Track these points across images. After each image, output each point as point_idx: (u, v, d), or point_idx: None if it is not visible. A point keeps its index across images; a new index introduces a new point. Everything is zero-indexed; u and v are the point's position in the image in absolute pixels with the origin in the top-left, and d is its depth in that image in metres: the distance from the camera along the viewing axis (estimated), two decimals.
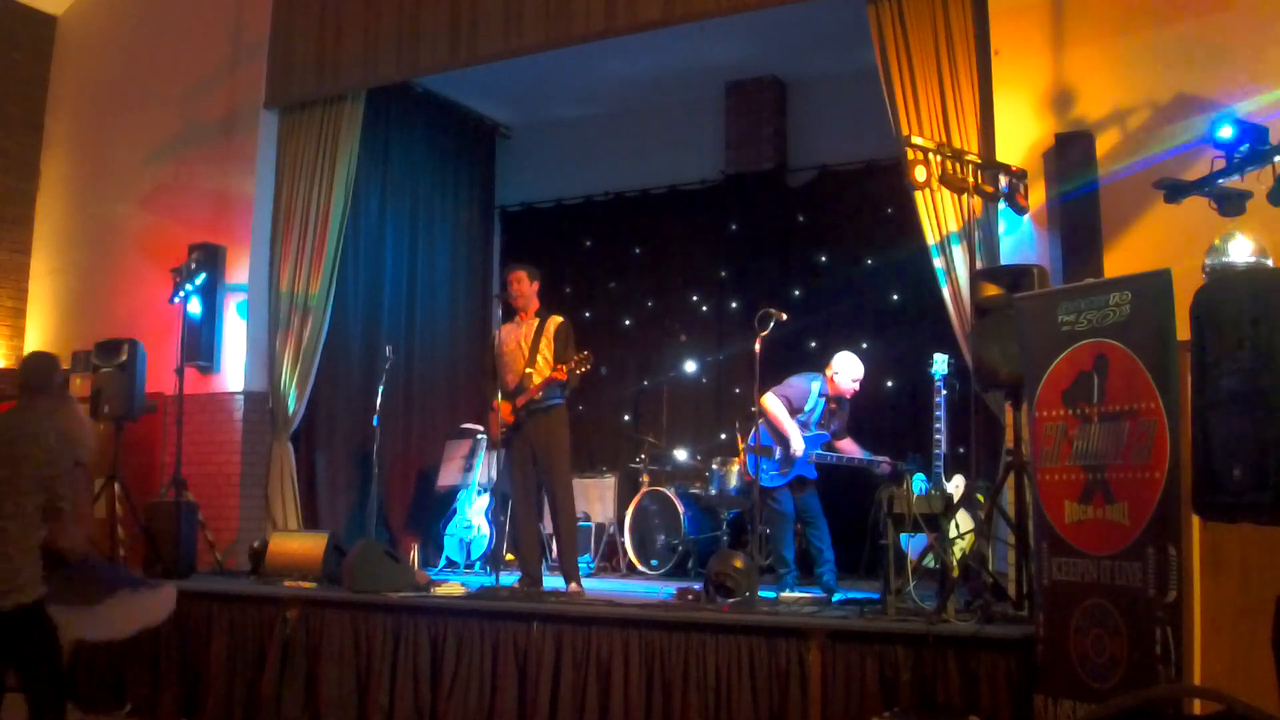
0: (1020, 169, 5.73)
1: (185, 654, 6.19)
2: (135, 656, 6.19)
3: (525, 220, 10.40)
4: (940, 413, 5.91)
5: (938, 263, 6.03)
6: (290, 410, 7.87)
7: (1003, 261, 5.79)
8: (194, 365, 7.79)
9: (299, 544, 6.80)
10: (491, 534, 8.32)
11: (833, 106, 8.98)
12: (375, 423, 7.18)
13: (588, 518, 8.55)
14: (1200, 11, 5.51)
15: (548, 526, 7.33)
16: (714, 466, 7.88)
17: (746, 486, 7.10)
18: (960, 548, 5.42)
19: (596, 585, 7.06)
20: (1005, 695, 4.37)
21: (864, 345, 7.96)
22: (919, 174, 5.31)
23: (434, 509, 8.95)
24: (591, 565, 8.32)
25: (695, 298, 9.55)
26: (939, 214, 6.01)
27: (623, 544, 8.25)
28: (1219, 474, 3.49)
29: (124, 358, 7.37)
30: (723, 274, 9.41)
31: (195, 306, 7.79)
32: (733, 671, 4.88)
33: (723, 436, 8.93)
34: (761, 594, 5.68)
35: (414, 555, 8.49)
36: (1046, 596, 4.17)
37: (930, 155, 5.34)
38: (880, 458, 6.61)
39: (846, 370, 6.61)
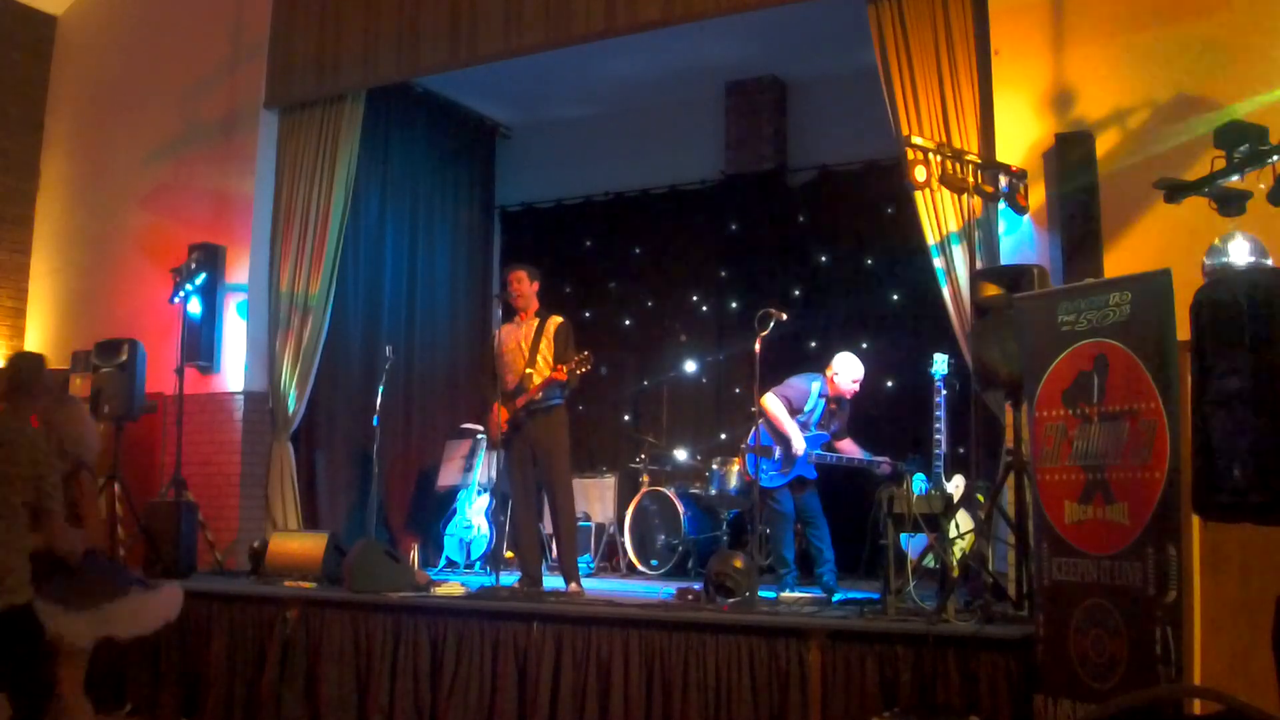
0: (1020, 169, 5.73)
1: (185, 654, 6.18)
2: (135, 656, 6.18)
3: (525, 220, 10.40)
4: (940, 413, 5.91)
5: (938, 263, 6.03)
6: (290, 410, 7.87)
7: (1003, 261, 5.79)
8: (194, 365, 7.79)
9: (299, 544, 6.80)
10: (491, 534, 8.33)
11: (833, 106, 8.98)
12: (375, 423, 7.18)
13: (588, 518, 8.55)
14: (1200, 11, 5.51)
15: (548, 526, 7.33)
16: (714, 466, 7.88)
17: (746, 486, 7.10)
18: (960, 548, 5.42)
19: (596, 585, 7.06)
20: (1005, 695, 4.36)
21: (864, 345, 7.96)
22: (919, 174, 5.31)
23: (434, 509, 8.95)
24: (591, 565, 8.32)
25: (695, 298, 9.55)
26: (939, 214, 6.01)
27: (623, 544, 8.25)
28: (1219, 474, 3.49)
29: (124, 358, 7.37)
30: (723, 274, 9.41)
31: (195, 306, 7.80)
32: (733, 671, 4.88)
33: (723, 436, 8.94)
34: (761, 594, 5.68)
35: (414, 555, 8.49)
36: (1046, 596, 4.17)
37: (930, 155, 5.34)
38: (880, 458, 6.61)
39: (846, 371, 6.60)
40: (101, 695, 6.27)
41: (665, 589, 6.44)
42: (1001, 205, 5.74)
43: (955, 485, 6.11)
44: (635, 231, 9.83)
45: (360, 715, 5.69)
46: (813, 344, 8.46)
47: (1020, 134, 5.88)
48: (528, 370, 6.45)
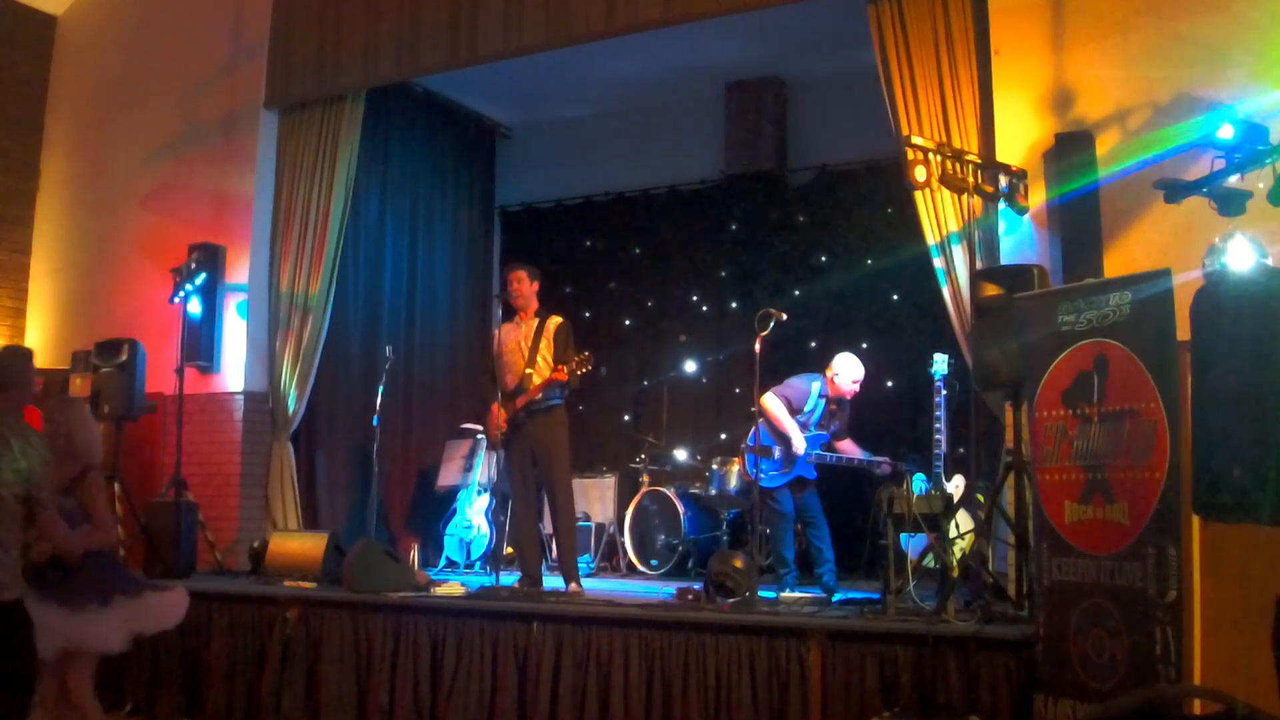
0: (1020, 169, 5.73)
1: (185, 654, 6.18)
2: (135, 656, 6.18)
3: (525, 220, 10.40)
4: (940, 413, 5.90)
5: (938, 263, 6.03)
6: (290, 410, 7.87)
7: (1003, 261, 5.79)
8: (194, 365, 7.79)
9: (299, 544, 6.80)
10: (491, 534, 8.32)
11: (833, 106, 8.98)
12: (375, 423, 7.18)
13: (588, 518, 8.55)
14: (1200, 11, 5.51)
15: (548, 527, 7.33)
16: (714, 466, 7.88)
17: (746, 486, 7.10)
18: (960, 548, 5.42)
19: (596, 585, 7.06)
20: (1005, 695, 4.37)
21: (864, 345, 7.95)
22: (919, 174, 5.31)
23: (434, 509, 8.94)
24: (591, 565, 8.32)
25: (695, 298, 9.55)
26: (939, 214, 6.01)
27: (623, 544, 8.25)
28: (1219, 474, 3.50)
29: (124, 358, 7.37)
30: (723, 274, 9.41)
31: (195, 306, 7.79)
32: (733, 671, 4.88)
33: (723, 436, 8.94)
34: (761, 594, 5.68)
35: (414, 555, 8.49)
36: (1046, 596, 4.17)
37: (930, 155, 5.34)
38: (880, 458, 6.61)
39: (847, 371, 6.60)
40: (101, 695, 6.26)
41: (665, 589, 6.44)
42: (1001, 205, 5.74)
43: (955, 485, 6.10)
44: (635, 231, 9.83)
45: (360, 715, 5.69)
46: (813, 344, 8.45)
47: (1020, 134, 5.88)
48: (527, 370, 6.45)
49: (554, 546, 7.22)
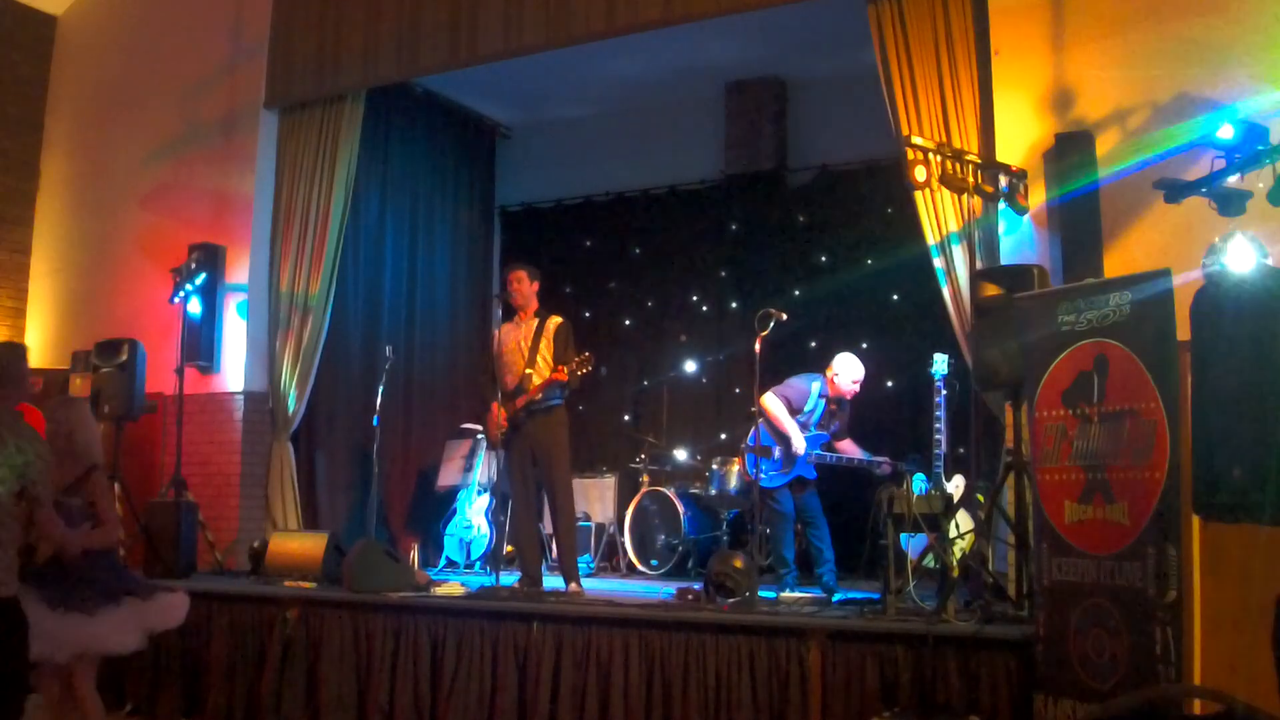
0: (1020, 169, 5.73)
1: (185, 654, 6.18)
2: (135, 656, 6.17)
3: (525, 220, 10.40)
4: (940, 413, 5.90)
5: (938, 263, 6.03)
6: (290, 410, 7.87)
7: (1003, 261, 5.79)
8: (194, 365, 7.79)
9: (299, 544, 6.80)
10: (491, 534, 8.32)
11: (833, 106, 8.98)
12: (375, 423, 7.17)
13: (588, 518, 8.55)
14: (1200, 11, 5.51)
15: (547, 527, 7.33)
16: (714, 466, 7.88)
17: (746, 486, 7.10)
18: (960, 548, 5.42)
19: (596, 585, 7.06)
20: (1005, 695, 4.37)
21: (864, 345, 7.95)
22: (919, 174, 5.31)
23: (434, 509, 8.94)
24: (591, 565, 8.32)
25: (695, 298, 9.56)
26: (939, 214, 6.01)
27: (623, 544, 8.25)
28: (1219, 474, 3.50)
29: (124, 358, 7.37)
30: (723, 274, 9.41)
31: (195, 306, 7.80)
32: (733, 671, 4.88)
33: (723, 436, 8.94)
34: (761, 594, 5.68)
35: (414, 555, 8.49)
36: (1046, 596, 4.17)
37: (930, 155, 5.34)
38: (880, 458, 6.61)
39: (847, 371, 6.60)
40: (102, 695, 6.26)
41: (665, 589, 6.44)
42: (1001, 205, 5.74)
43: (955, 485, 6.10)
44: (635, 231, 9.83)
45: (360, 715, 5.69)
46: (813, 344, 8.45)
47: (1020, 134, 5.88)
48: (527, 370, 6.45)
49: (554, 546, 7.22)
